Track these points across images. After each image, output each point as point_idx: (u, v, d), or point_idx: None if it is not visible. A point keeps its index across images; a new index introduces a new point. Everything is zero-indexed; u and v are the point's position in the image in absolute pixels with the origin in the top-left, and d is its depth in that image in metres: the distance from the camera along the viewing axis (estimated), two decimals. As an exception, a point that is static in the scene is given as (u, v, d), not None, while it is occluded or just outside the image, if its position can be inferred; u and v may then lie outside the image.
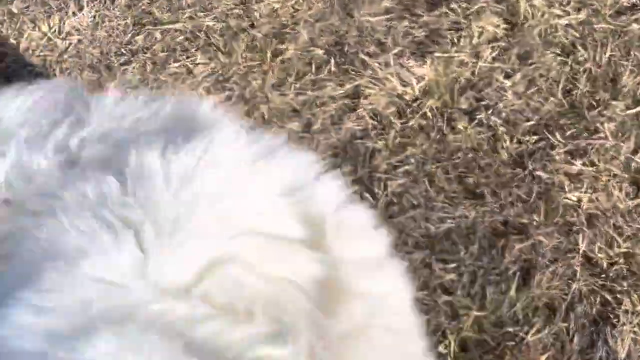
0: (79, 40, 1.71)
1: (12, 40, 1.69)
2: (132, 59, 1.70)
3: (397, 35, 1.78)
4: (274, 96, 1.68)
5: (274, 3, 1.83)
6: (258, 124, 1.64)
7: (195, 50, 1.73)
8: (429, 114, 1.62)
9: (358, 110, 1.65)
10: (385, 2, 1.85)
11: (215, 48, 1.75)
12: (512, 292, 1.34)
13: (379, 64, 1.70)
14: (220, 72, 1.71)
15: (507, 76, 1.68)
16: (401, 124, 1.61)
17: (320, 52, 1.76)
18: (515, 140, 1.56)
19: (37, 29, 1.72)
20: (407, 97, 1.65)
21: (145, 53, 1.72)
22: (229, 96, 1.68)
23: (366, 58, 1.72)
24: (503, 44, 1.73)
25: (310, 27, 1.80)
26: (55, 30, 1.72)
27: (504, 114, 1.61)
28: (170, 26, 1.77)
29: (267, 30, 1.79)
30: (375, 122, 1.62)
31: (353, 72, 1.71)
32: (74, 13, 1.73)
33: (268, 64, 1.72)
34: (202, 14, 1.80)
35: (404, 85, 1.66)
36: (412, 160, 1.55)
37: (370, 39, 1.78)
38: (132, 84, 1.65)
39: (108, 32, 1.72)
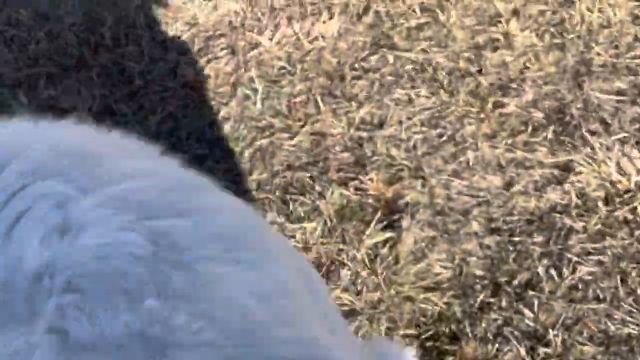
0: (322, 47, 1.82)
1: (269, 31, 1.83)
2: (363, 75, 1.79)
3: (624, 120, 1.72)
4: (483, 145, 1.69)
5: (507, 55, 1.84)
6: (463, 167, 1.66)
7: (422, 82, 1.78)
8: (639, 210, 1.56)
9: (565, 185, 1.62)
10: (620, 83, 1.80)
11: (439, 85, 1.79)
12: (682, 422, 1.27)
13: (600, 144, 1.66)
14: (438, 108, 1.75)
15: None
16: (607, 211, 1.56)
17: (540, 115, 1.74)
18: None
19: (290, 26, 1.85)
20: (619, 186, 1.60)
21: (375, 73, 1.79)
22: (440, 134, 1.72)
23: (587, 135, 1.69)
24: None
25: (537, 87, 1.79)
26: (305, 32, 1.84)
27: None
28: (404, 54, 1.83)
29: (493, 79, 1.80)
30: (580, 202, 1.59)
31: (569, 145, 1.68)
32: (324, 21, 1.84)
33: (486, 113, 1.74)
34: (435, 49, 1.85)
35: (621, 174, 1.61)
36: (609, 253, 1.50)
37: (595, 116, 1.74)
38: (357, 99, 1.73)
39: (348, 45, 1.82)
